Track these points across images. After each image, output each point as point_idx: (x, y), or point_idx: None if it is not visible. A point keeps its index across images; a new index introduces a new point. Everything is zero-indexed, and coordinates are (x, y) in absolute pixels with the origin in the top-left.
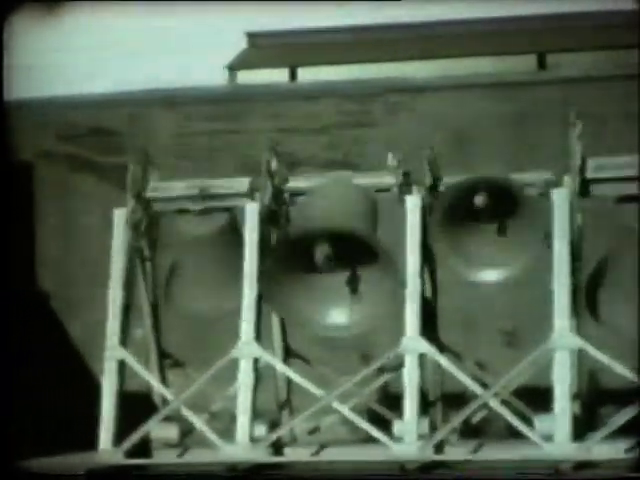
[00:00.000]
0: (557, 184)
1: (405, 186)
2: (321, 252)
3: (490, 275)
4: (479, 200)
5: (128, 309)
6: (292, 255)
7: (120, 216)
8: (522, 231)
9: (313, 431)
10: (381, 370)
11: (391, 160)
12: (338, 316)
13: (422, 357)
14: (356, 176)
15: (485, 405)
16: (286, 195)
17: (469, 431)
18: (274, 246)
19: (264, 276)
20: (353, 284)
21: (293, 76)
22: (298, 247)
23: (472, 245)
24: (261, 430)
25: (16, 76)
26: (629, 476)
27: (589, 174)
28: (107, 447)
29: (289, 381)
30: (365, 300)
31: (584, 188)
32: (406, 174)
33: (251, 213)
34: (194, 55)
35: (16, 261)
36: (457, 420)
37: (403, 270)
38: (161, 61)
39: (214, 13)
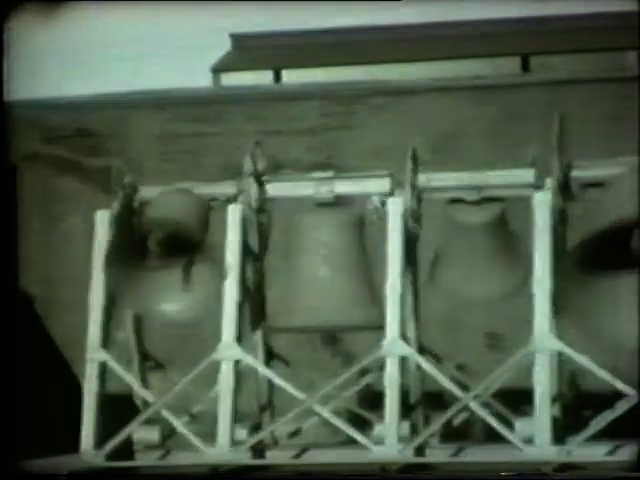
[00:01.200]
0: (539, 187)
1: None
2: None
3: None
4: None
5: (109, 311)
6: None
7: (102, 217)
8: None
9: (294, 434)
10: (363, 372)
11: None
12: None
13: (403, 360)
14: (341, 181)
15: (466, 408)
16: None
17: (450, 434)
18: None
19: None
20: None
21: (277, 78)
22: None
23: None
24: (242, 433)
25: (16, 76)
26: (620, 476)
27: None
28: (88, 449)
29: (270, 384)
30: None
31: (567, 190)
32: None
33: (233, 215)
34: (195, 55)
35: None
36: (438, 423)
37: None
38: (162, 61)
39: (220, 13)
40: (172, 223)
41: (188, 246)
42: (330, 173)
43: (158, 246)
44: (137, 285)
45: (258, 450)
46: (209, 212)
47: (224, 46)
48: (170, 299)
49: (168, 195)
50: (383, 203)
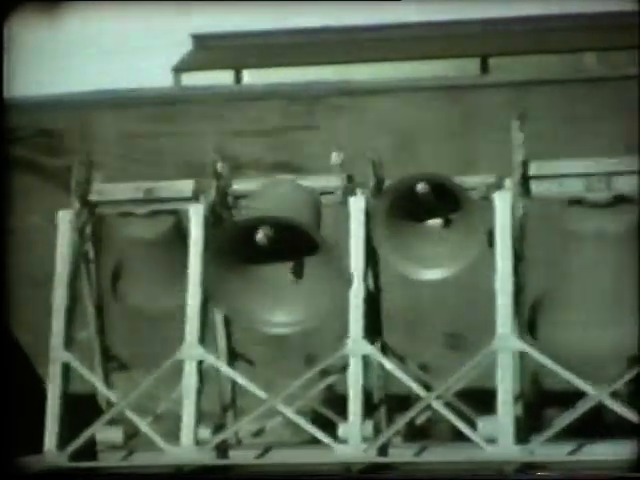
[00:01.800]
0: (499, 187)
1: (349, 188)
2: (262, 232)
3: (433, 273)
4: (421, 187)
5: (72, 311)
6: (231, 248)
7: (64, 218)
8: (465, 230)
9: (258, 433)
10: (326, 372)
11: (335, 158)
12: (280, 313)
13: (366, 359)
14: (300, 178)
15: (429, 407)
16: (230, 198)
17: (413, 433)
18: (214, 238)
19: (205, 270)
20: (296, 276)
21: (238, 78)
22: (237, 240)
23: (415, 244)
24: (206, 432)
25: (16, 76)
26: (619, 476)
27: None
28: (52, 450)
29: (234, 383)
30: (308, 297)
31: (526, 190)
32: (349, 176)
33: (196, 215)
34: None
35: None
36: (401, 422)
37: (347, 265)
38: (162, 62)
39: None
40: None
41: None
42: (290, 174)
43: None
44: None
45: (222, 450)
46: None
47: None
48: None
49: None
50: None
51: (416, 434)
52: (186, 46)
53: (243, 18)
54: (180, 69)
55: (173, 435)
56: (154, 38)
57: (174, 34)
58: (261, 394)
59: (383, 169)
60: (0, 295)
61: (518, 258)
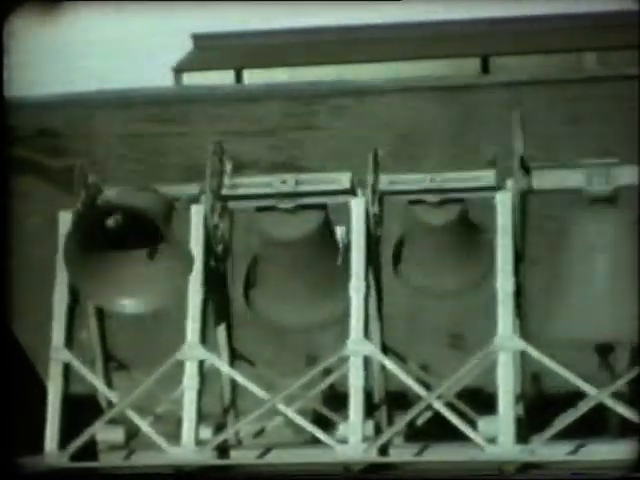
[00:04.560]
0: (500, 186)
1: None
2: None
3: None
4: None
5: (73, 311)
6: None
7: (65, 218)
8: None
9: (258, 433)
10: (326, 372)
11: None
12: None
13: (367, 359)
14: (301, 179)
15: (429, 407)
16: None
17: (414, 433)
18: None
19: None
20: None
21: (238, 78)
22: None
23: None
24: (207, 433)
25: (16, 76)
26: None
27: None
28: (53, 450)
29: (234, 383)
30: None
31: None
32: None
33: (197, 214)
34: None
35: None
36: (401, 422)
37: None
38: (163, 63)
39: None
40: (133, 207)
41: (150, 238)
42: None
43: (119, 234)
44: (98, 278)
45: (222, 450)
46: (172, 207)
47: None
48: (131, 292)
49: (130, 191)
50: None
51: (417, 434)
52: (187, 46)
53: (244, 18)
54: (181, 69)
55: (174, 435)
56: (154, 38)
57: (174, 34)
58: (262, 394)
59: (383, 168)
60: (1, 295)
61: (518, 258)
